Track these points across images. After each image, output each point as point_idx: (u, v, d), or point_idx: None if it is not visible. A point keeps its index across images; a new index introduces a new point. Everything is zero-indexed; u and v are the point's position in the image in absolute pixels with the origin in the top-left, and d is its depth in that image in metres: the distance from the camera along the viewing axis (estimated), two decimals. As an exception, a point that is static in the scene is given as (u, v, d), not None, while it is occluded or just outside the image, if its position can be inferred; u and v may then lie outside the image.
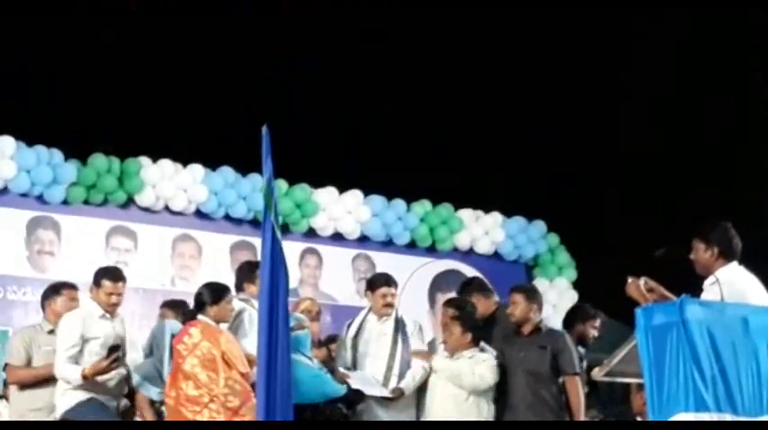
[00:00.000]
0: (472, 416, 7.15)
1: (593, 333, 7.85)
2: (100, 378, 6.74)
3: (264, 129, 4.55)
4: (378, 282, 7.71)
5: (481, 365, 7.17)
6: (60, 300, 7.16)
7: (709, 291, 5.51)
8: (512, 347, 7.34)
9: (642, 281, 5.50)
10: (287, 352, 4.63)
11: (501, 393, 7.27)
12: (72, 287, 7.29)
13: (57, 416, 6.75)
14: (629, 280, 5.55)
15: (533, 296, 7.46)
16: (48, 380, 6.91)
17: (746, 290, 5.52)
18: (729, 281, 5.55)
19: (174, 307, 7.83)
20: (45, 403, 6.88)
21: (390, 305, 7.52)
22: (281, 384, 4.73)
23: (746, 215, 6.08)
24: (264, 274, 4.51)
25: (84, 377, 6.67)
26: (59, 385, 6.83)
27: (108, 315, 6.96)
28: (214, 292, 6.82)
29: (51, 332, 7.05)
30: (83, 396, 6.73)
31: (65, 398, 6.76)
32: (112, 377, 6.83)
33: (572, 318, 8.01)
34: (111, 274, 7.06)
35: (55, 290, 7.25)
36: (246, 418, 6.31)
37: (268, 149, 4.53)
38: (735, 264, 5.72)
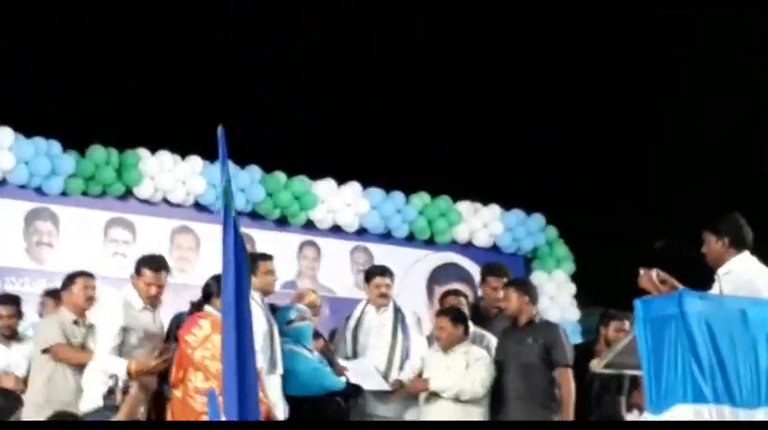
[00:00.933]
0: (467, 408, 7.16)
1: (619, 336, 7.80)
2: (145, 378, 6.58)
3: (220, 130, 4.57)
4: (373, 272, 7.77)
5: (476, 367, 7.16)
6: (76, 289, 7.02)
7: (723, 281, 5.49)
8: (509, 340, 7.37)
9: (654, 272, 5.46)
10: (252, 352, 4.63)
11: (495, 384, 7.29)
12: (87, 275, 7.14)
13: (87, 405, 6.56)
14: (642, 271, 5.51)
15: (524, 288, 7.47)
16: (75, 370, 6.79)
17: (756, 280, 5.51)
18: (741, 271, 5.54)
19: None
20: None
21: (384, 295, 7.56)
22: (250, 386, 4.71)
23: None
24: (229, 274, 4.50)
25: (129, 374, 6.50)
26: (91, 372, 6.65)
27: (149, 306, 6.82)
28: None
29: (75, 322, 6.94)
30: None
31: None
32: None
33: (597, 324, 8.04)
34: (152, 263, 6.87)
35: (70, 279, 7.12)
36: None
37: (224, 149, 4.56)
38: (747, 253, 5.71)
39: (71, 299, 7.04)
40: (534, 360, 7.16)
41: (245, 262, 4.69)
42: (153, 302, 6.86)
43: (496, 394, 7.25)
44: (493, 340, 7.49)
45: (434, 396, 7.20)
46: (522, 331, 7.31)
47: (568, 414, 7.07)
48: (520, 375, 7.17)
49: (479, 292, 8.60)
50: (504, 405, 7.18)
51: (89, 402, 6.62)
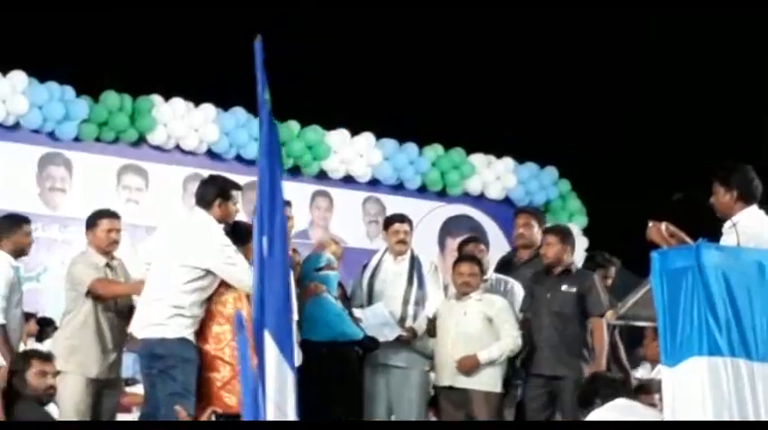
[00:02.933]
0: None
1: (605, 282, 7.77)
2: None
3: (257, 41, 4.47)
4: (392, 219, 7.72)
5: (511, 321, 7.09)
6: (99, 231, 6.67)
7: (729, 235, 5.45)
8: (540, 287, 7.28)
9: (663, 225, 5.42)
10: (287, 266, 4.39)
11: (525, 331, 7.23)
12: (112, 216, 6.78)
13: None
14: (651, 224, 5.47)
15: (567, 238, 7.36)
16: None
17: (764, 233, 5.47)
18: (748, 224, 5.50)
19: None
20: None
21: (403, 242, 7.49)
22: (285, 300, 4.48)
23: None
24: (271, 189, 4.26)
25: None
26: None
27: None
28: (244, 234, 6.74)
29: (107, 265, 6.65)
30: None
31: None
32: None
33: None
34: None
35: (93, 219, 6.75)
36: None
37: (261, 59, 4.45)
38: (755, 207, 5.66)
39: (95, 241, 6.72)
40: (568, 308, 7.07)
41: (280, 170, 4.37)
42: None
43: (528, 340, 7.18)
44: (516, 285, 7.43)
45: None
46: (555, 279, 7.23)
47: (600, 364, 6.99)
48: (552, 323, 7.10)
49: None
50: (534, 352, 7.12)
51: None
